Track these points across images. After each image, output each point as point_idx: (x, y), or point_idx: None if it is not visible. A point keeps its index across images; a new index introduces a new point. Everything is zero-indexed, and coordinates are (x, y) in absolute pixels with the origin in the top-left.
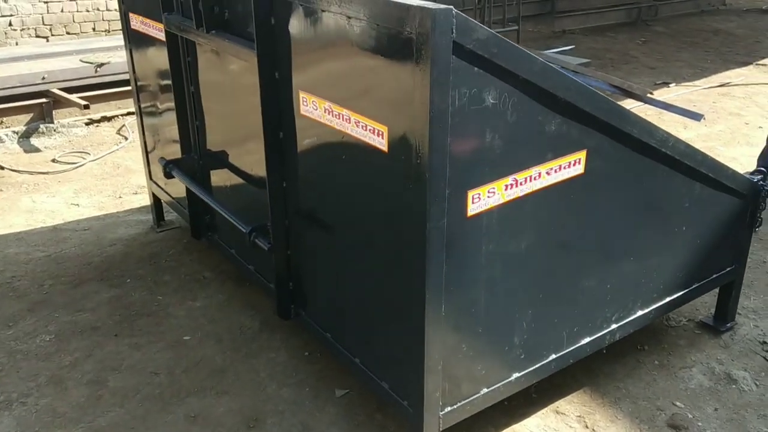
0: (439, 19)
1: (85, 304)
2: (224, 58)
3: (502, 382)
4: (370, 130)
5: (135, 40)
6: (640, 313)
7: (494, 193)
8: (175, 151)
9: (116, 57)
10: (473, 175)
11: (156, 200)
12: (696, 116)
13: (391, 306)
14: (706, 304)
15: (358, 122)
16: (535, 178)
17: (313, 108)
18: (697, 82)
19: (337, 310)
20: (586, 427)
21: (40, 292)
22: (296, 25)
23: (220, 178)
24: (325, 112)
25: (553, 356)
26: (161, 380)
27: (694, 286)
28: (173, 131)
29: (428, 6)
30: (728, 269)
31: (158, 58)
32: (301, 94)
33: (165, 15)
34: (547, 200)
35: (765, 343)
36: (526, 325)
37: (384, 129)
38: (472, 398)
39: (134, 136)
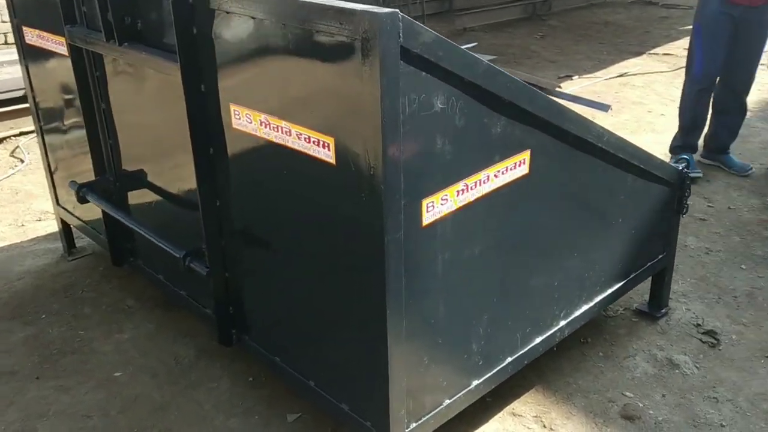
0: (386, 23)
1: None
2: (140, 71)
3: (463, 391)
4: (314, 142)
5: (31, 56)
6: (585, 307)
7: (447, 199)
8: (84, 172)
9: (3, 74)
10: (426, 183)
11: (65, 226)
12: (603, 107)
13: (348, 324)
14: (639, 291)
15: (300, 134)
16: (484, 182)
17: (246, 121)
18: (597, 74)
19: (285, 332)
20: (544, 426)
21: None
22: (223, 34)
23: (141, 200)
24: (261, 125)
25: (509, 359)
26: (95, 423)
27: (632, 276)
28: (83, 151)
29: (374, 10)
30: (660, 256)
31: (60, 73)
32: (232, 107)
33: (68, 28)
34: (496, 203)
35: (699, 325)
36: (483, 330)
37: (330, 141)
38: (435, 411)
39: (31, 157)
